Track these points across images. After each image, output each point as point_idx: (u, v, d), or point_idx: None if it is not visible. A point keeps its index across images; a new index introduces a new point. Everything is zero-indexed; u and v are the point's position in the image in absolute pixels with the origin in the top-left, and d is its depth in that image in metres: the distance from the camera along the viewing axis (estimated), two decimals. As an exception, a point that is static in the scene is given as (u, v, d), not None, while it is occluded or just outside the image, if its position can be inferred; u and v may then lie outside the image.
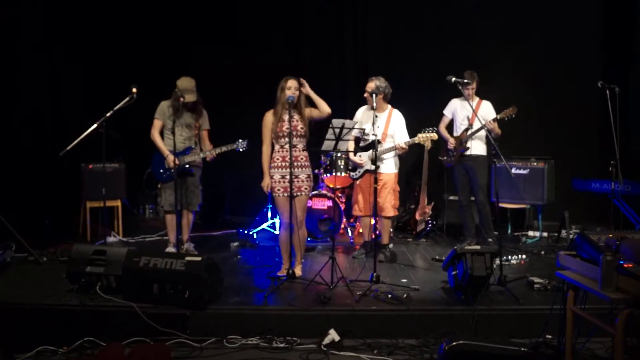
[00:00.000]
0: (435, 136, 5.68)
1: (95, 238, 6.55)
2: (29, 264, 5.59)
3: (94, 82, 7.62)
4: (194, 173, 5.91)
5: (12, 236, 5.58)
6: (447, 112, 6.45)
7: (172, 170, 5.60)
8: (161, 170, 5.89)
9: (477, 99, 6.24)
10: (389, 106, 5.88)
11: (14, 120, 6.70)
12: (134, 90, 5.56)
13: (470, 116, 6.12)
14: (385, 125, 5.79)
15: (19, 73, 6.68)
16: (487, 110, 6.16)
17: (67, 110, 7.26)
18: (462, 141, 6.22)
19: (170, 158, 5.68)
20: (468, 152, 6.20)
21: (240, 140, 5.79)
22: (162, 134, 5.90)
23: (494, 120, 5.98)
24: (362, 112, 5.96)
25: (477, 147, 6.20)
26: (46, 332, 4.16)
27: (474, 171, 6.19)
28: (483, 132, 6.01)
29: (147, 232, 6.94)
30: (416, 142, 5.71)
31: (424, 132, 5.66)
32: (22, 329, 4.07)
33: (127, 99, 5.57)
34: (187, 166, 5.82)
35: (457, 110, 6.31)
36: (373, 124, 5.32)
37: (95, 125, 5.52)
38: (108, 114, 5.53)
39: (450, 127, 6.47)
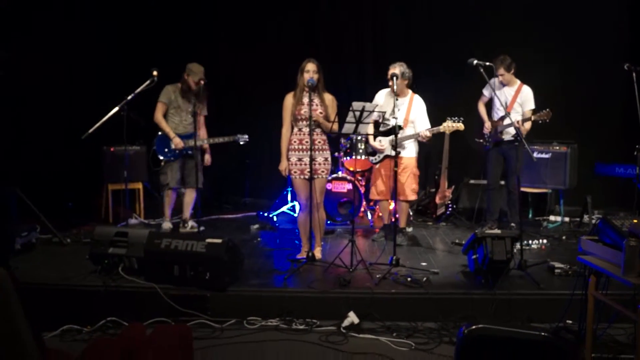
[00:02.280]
0: (461, 126, 5.59)
1: (117, 220, 6.64)
2: (54, 245, 5.68)
3: (115, 65, 7.65)
4: (193, 155, 6.04)
5: (37, 218, 5.68)
6: (486, 91, 6.31)
7: (177, 152, 6.06)
8: (166, 150, 6.16)
9: (517, 83, 6.12)
10: (410, 91, 5.84)
11: (36, 104, 6.76)
12: (155, 73, 5.59)
13: (509, 102, 6.01)
14: (407, 111, 5.75)
15: (41, 57, 6.73)
16: (525, 98, 6.05)
17: (89, 93, 7.31)
18: (497, 130, 6.13)
19: (177, 140, 6.04)
20: (506, 138, 6.10)
21: (239, 135, 6.07)
22: (165, 117, 6.16)
23: (528, 119, 5.87)
24: (383, 96, 5.91)
25: (513, 132, 6.09)
26: (71, 311, 4.23)
27: (511, 156, 6.06)
28: (518, 117, 5.93)
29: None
30: (441, 131, 5.66)
31: (450, 121, 5.59)
32: (48, 308, 4.14)
33: (147, 82, 5.61)
34: (189, 151, 6.07)
35: (496, 92, 6.11)
36: (394, 109, 5.30)
37: (116, 109, 5.57)
38: (129, 97, 5.58)
39: (489, 107, 6.37)
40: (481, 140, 6.35)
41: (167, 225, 6.33)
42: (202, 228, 5.81)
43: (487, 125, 6.24)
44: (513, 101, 6.03)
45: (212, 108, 6.40)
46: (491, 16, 7.57)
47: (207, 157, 6.26)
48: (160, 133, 6.17)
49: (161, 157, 6.22)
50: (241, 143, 6.06)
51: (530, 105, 6.00)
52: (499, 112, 6.14)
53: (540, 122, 5.82)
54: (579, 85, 7.41)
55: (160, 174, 6.33)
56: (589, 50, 7.40)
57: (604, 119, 7.49)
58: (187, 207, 6.28)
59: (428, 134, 5.64)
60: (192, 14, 8.08)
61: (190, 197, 6.25)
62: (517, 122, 5.81)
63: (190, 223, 6.31)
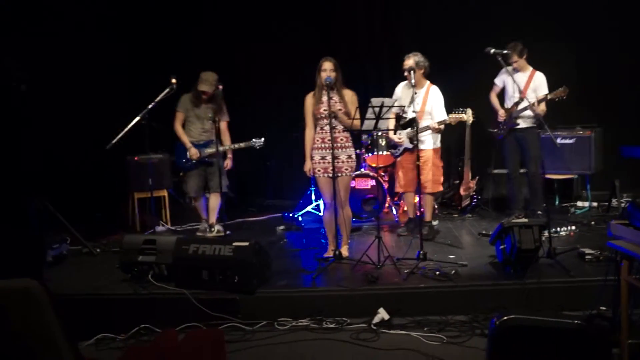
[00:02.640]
0: (464, 117, 5.56)
1: (144, 228, 6.71)
2: (84, 255, 5.77)
3: (135, 75, 7.74)
4: (214, 163, 6.09)
5: (67, 230, 5.78)
6: (498, 80, 6.31)
7: (194, 161, 6.14)
8: (184, 160, 6.23)
9: (530, 69, 6.09)
10: (427, 82, 5.81)
11: (60, 117, 6.86)
12: (174, 81, 5.66)
13: (522, 88, 5.98)
14: (423, 102, 5.72)
15: (63, 69, 6.83)
16: (539, 84, 6.02)
17: (110, 104, 7.40)
18: (511, 115, 6.09)
19: (193, 151, 6.12)
20: (519, 126, 6.09)
21: (254, 140, 6.05)
22: (183, 126, 6.24)
23: (544, 98, 5.83)
24: (401, 89, 5.90)
25: (528, 119, 6.06)
26: (104, 320, 4.29)
27: (526, 142, 6.05)
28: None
29: (194, 220, 7.02)
30: (447, 122, 5.62)
31: (455, 113, 5.60)
32: (82, 318, 4.20)
33: (167, 90, 5.67)
34: (207, 159, 6.14)
35: (508, 80, 6.11)
36: (411, 101, 5.28)
37: (138, 118, 5.63)
38: (150, 106, 5.64)
39: (501, 97, 6.34)
40: (495, 130, 6.31)
41: (203, 226, 6.44)
42: (228, 232, 5.87)
43: (502, 113, 6.21)
44: (526, 87, 5.99)
45: (231, 111, 6.43)
46: (509, 3, 7.48)
47: (228, 162, 6.29)
48: (178, 142, 6.25)
49: (180, 166, 6.34)
50: (257, 147, 6.08)
51: (544, 90, 5.96)
52: (512, 99, 6.10)
53: (557, 99, 5.77)
54: (601, 68, 7.29)
55: (182, 183, 6.49)
56: (611, 31, 7.28)
57: (627, 101, 7.36)
58: (212, 212, 6.33)
59: (437, 125, 5.61)
60: (207, 19, 8.14)
61: (214, 202, 6.30)
62: (533, 103, 5.76)
63: (217, 227, 6.37)
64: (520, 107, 5.98)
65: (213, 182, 6.17)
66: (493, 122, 6.34)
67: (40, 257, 5.17)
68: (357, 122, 5.03)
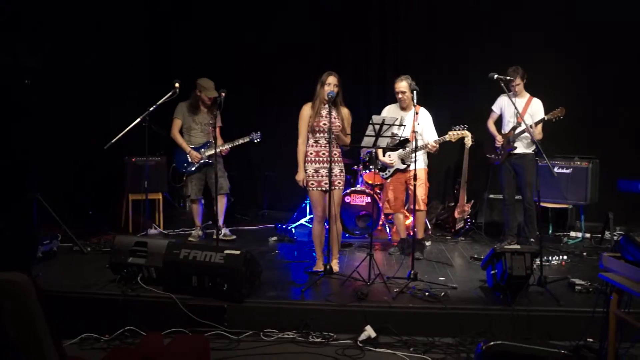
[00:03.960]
0: (466, 133, 5.63)
1: (137, 230, 6.69)
2: (74, 253, 5.75)
3: (138, 76, 7.77)
4: (214, 164, 6.12)
5: (59, 226, 5.76)
6: (496, 107, 6.36)
7: (196, 163, 6.23)
8: (185, 164, 6.31)
9: (527, 95, 6.13)
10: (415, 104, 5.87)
11: (60, 114, 6.87)
12: (177, 85, 5.68)
13: (520, 113, 6.02)
14: (413, 124, 5.75)
15: (63, 67, 6.85)
16: (536, 109, 6.05)
17: (111, 104, 7.42)
18: (509, 140, 6.12)
19: (194, 154, 6.23)
20: (516, 151, 6.11)
21: (254, 133, 6.14)
22: (181, 133, 6.34)
23: (541, 121, 5.88)
24: (389, 111, 5.92)
25: (525, 143, 6.10)
26: (90, 320, 4.27)
27: (522, 169, 6.09)
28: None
29: (188, 224, 7.03)
30: (447, 139, 5.67)
31: (455, 130, 5.64)
32: (67, 316, 4.17)
33: (169, 93, 5.70)
34: (208, 160, 6.23)
35: (505, 106, 6.20)
36: (409, 123, 5.31)
37: (138, 119, 5.65)
38: (151, 109, 5.66)
39: (498, 123, 6.38)
40: (492, 156, 6.34)
41: (196, 232, 6.46)
42: (234, 237, 6.15)
43: (499, 138, 6.24)
44: (524, 112, 6.02)
45: (230, 120, 6.47)
46: (509, 29, 7.58)
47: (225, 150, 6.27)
48: (177, 148, 6.30)
49: (183, 171, 6.39)
50: (256, 141, 6.13)
51: (541, 115, 6.00)
52: (509, 124, 6.15)
53: (554, 120, 5.81)
54: (602, 100, 7.34)
55: (182, 186, 6.53)
56: (611, 64, 7.35)
57: (626, 134, 7.41)
58: (219, 214, 6.29)
59: (435, 144, 5.65)
60: (206, 27, 8.19)
61: (221, 203, 6.29)
62: (531, 125, 5.81)
63: (224, 231, 6.39)
64: (518, 130, 6.02)
65: (221, 185, 6.18)
66: (490, 147, 6.37)
67: (30, 252, 5.15)
68: (349, 139, 5.13)
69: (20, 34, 6.07)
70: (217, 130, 6.37)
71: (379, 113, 5.70)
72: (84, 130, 7.10)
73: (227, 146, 6.20)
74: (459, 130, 5.64)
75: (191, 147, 6.26)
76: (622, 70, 7.33)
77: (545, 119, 5.87)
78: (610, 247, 6.26)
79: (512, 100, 5.79)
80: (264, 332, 4.22)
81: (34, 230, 5.60)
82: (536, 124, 5.93)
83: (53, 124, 6.80)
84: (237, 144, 6.21)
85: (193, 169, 6.30)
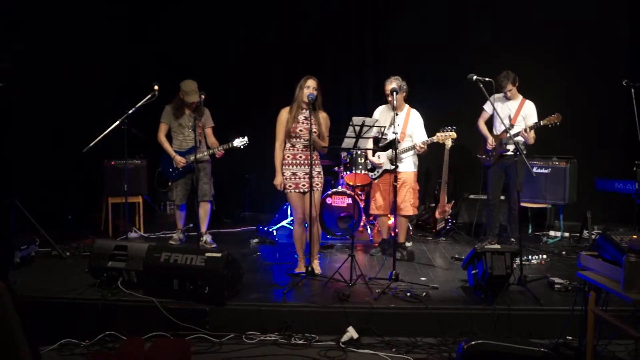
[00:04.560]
0: (454, 135, 5.65)
1: (117, 234, 6.64)
2: (53, 258, 5.68)
3: (117, 78, 7.70)
4: (200, 169, 6.15)
5: (37, 231, 5.69)
6: (487, 107, 6.29)
7: (181, 169, 6.13)
8: (170, 169, 6.24)
9: (520, 97, 6.14)
10: (407, 105, 5.88)
11: (37, 117, 6.80)
12: (156, 87, 5.63)
13: (512, 116, 6.04)
14: (404, 125, 5.78)
15: (42, 70, 6.77)
16: (529, 112, 6.06)
17: (90, 107, 7.35)
18: (501, 142, 6.13)
19: (178, 159, 6.14)
20: (509, 153, 6.06)
21: (239, 138, 6.05)
22: (168, 136, 6.26)
23: (535, 125, 5.90)
24: (380, 112, 5.95)
25: (513, 147, 6.09)
26: (69, 325, 4.22)
27: (513, 171, 6.02)
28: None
29: (168, 227, 6.99)
30: (435, 141, 5.70)
31: (443, 131, 5.67)
32: (46, 322, 4.13)
33: (148, 96, 5.65)
34: (192, 165, 6.11)
35: (498, 107, 6.04)
36: (392, 123, 5.32)
37: (117, 122, 5.60)
38: (130, 111, 5.61)
39: (489, 123, 6.37)
40: (483, 156, 6.35)
41: (177, 236, 6.42)
42: (214, 246, 6.11)
43: (490, 140, 6.22)
44: (517, 115, 6.05)
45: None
46: (490, 31, 7.63)
47: (220, 153, 6.18)
48: (164, 153, 6.24)
49: (168, 177, 6.33)
50: (241, 147, 6.06)
51: (534, 118, 6.02)
52: (501, 126, 6.13)
53: (550, 126, 5.82)
54: (579, 101, 7.43)
55: (168, 191, 6.48)
56: (589, 65, 7.46)
57: (603, 134, 7.51)
58: (202, 221, 6.20)
59: (423, 145, 5.67)
60: (189, 28, 8.14)
61: (203, 210, 6.22)
62: (525, 129, 5.84)
63: (205, 237, 6.27)
64: (512, 132, 5.95)
65: (201, 191, 6.15)
66: (481, 149, 6.36)
67: (7, 257, 5.07)
68: (326, 143, 5.14)
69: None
70: (209, 130, 6.29)
71: (360, 114, 5.68)
72: (62, 134, 7.03)
73: (221, 149, 6.09)
74: (447, 132, 5.64)
75: (176, 152, 6.18)
76: (599, 70, 7.43)
77: (541, 124, 5.88)
78: (588, 246, 6.34)
79: (494, 108, 5.75)
80: (246, 335, 4.21)
81: (10, 236, 5.52)
82: (530, 128, 5.92)
83: (30, 127, 6.73)
84: (221, 149, 6.09)
85: (177, 173, 6.21)
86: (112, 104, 6.86)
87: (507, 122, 5.94)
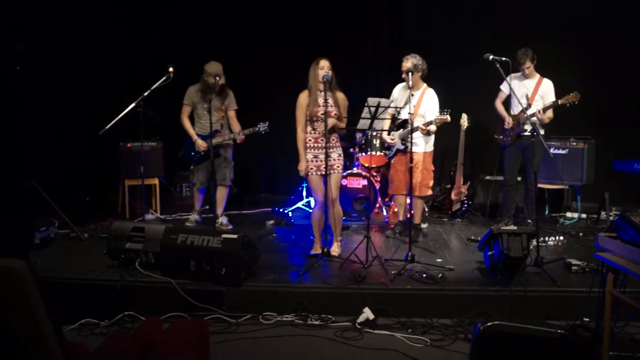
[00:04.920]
0: (447, 118, 5.43)
1: (134, 215, 6.69)
2: (71, 240, 5.75)
3: (133, 61, 7.70)
4: (221, 154, 6.14)
5: (55, 213, 5.75)
6: (504, 87, 6.20)
7: (202, 153, 6.09)
8: (192, 153, 6.23)
9: (537, 76, 6.07)
10: (424, 84, 5.80)
11: (55, 100, 6.83)
12: (171, 69, 5.64)
13: (530, 95, 5.95)
14: (418, 104, 5.69)
15: (58, 52, 6.79)
16: (547, 91, 5.99)
17: (107, 89, 7.38)
18: (519, 122, 6.07)
19: (199, 142, 6.09)
20: (526, 133, 5.98)
21: (261, 123, 5.98)
22: (191, 118, 6.20)
23: (552, 104, 5.82)
24: (398, 90, 5.90)
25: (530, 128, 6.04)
26: (88, 305, 4.29)
27: (530, 151, 5.98)
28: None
29: (184, 209, 7.02)
30: (431, 123, 5.50)
31: (442, 114, 5.47)
32: (66, 302, 4.19)
33: (163, 78, 5.66)
34: (217, 151, 6.09)
35: (515, 87, 5.97)
36: (406, 102, 5.27)
37: (133, 105, 5.62)
38: (146, 94, 5.63)
39: (506, 103, 6.29)
40: (501, 137, 6.28)
41: (194, 217, 6.44)
42: (230, 227, 6.15)
43: (508, 120, 6.14)
44: (534, 94, 5.98)
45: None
46: (509, 11, 7.50)
47: (241, 138, 6.15)
48: (187, 135, 6.21)
49: (190, 160, 6.32)
50: (262, 132, 6.01)
51: (551, 97, 5.94)
52: (519, 106, 6.06)
53: (568, 105, 5.74)
54: (597, 81, 7.30)
55: (189, 174, 6.52)
56: (608, 44, 7.31)
57: (621, 115, 7.39)
58: (219, 204, 6.21)
59: (424, 127, 5.52)
60: (211, 12, 8.09)
61: (221, 194, 6.22)
62: (539, 111, 5.77)
63: (221, 220, 6.29)
64: (529, 112, 5.89)
65: (219, 175, 6.13)
66: (499, 129, 6.30)
67: (27, 238, 5.14)
68: (344, 124, 5.13)
69: (8, 18, 5.97)
70: (232, 113, 6.23)
71: (375, 95, 5.61)
72: (79, 117, 7.07)
73: (242, 135, 6.05)
74: (442, 115, 5.44)
75: (199, 135, 6.13)
76: (617, 50, 7.29)
77: (559, 103, 5.80)
78: (606, 227, 6.27)
79: (511, 89, 5.68)
80: (263, 316, 4.24)
81: (29, 217, 5.59)
82: (546, 109, 5.85)
83: (47, 110, 6.76)
84: (243, 134, 6.04)
85: (199, 157, 6.18)
86: (129, 86, 6.84)
87: (524, 101, 5.86)
